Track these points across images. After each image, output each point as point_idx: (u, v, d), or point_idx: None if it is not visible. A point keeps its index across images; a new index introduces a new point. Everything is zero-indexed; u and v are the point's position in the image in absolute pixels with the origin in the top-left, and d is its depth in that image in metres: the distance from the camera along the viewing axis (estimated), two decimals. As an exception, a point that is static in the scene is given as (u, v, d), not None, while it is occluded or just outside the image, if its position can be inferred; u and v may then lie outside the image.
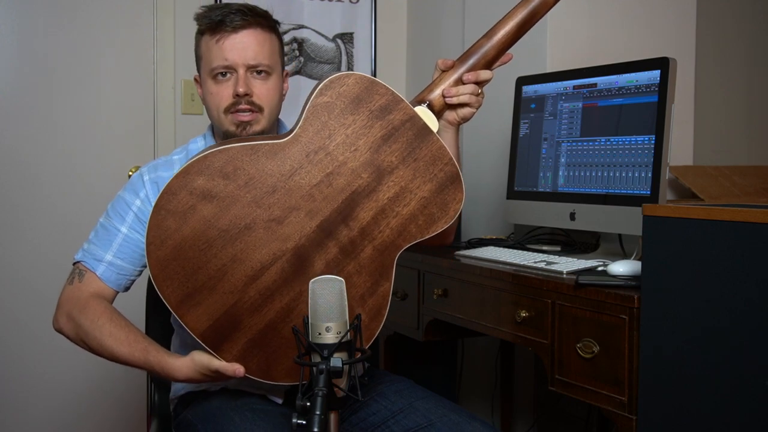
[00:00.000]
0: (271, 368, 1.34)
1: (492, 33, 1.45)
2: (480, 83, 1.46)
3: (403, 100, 1.32)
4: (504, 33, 1.45)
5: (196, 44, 1.59)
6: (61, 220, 2.80)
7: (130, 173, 2.88)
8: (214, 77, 1.54)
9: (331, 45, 3.18)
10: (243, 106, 1.53)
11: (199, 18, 1.56)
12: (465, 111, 1.47)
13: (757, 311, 1.25)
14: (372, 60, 3.25)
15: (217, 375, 1.35)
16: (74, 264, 1.57)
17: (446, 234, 1.60)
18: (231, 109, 1.53)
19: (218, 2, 1.61)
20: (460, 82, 1.45)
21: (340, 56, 3.20)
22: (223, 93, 1.53)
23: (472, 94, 1.45)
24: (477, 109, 1.48)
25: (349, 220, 1.31)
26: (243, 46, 1.52)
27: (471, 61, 1.45)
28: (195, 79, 1.64)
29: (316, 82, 1.79)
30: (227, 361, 1.33)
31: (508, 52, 1.48)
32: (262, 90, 1.55)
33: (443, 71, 1.46)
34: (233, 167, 1.30)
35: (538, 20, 1.48)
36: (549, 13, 2.35)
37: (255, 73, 1.54)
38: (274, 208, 1.30)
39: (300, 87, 3.12)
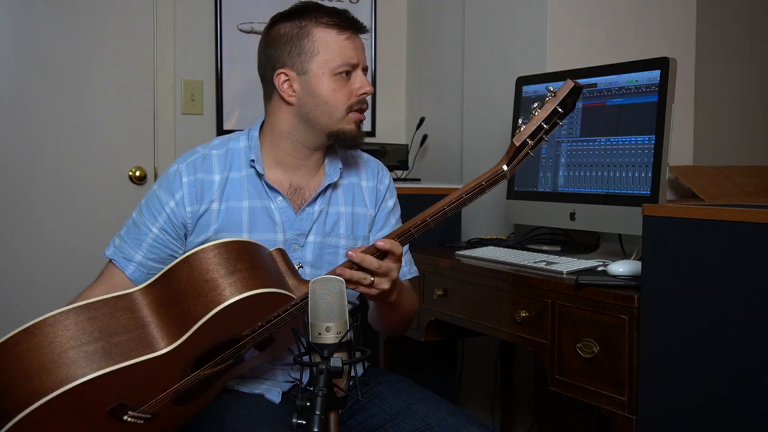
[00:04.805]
0: None
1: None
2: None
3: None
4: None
5: (300, 36, 1.52)
6: (61, 219, 2.80)
7: (130, 173, 2.88)
8: (336, 74, 1.52)
9: (331, 45, 3.17)
10: (365, 105, 1.57)
11: (315, 10, 1.53)
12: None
13: (756, 311, 1.25)
14: (372, 60, 3.24)
15: None
16: (108, 261, 1.56)
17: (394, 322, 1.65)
18: (356, 107, 1.54)
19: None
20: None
21: (340, 56, 3.20)
22: (344, 91, 1.53)
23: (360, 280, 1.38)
24: (376, 289, 1.40)
25: None
26: (363, 47, 1.57)
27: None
28: (282, 74, 1.53)
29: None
30: None
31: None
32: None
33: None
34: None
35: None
36: (549, 13, 2.38)
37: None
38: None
39: (300, 87, 3.11)
